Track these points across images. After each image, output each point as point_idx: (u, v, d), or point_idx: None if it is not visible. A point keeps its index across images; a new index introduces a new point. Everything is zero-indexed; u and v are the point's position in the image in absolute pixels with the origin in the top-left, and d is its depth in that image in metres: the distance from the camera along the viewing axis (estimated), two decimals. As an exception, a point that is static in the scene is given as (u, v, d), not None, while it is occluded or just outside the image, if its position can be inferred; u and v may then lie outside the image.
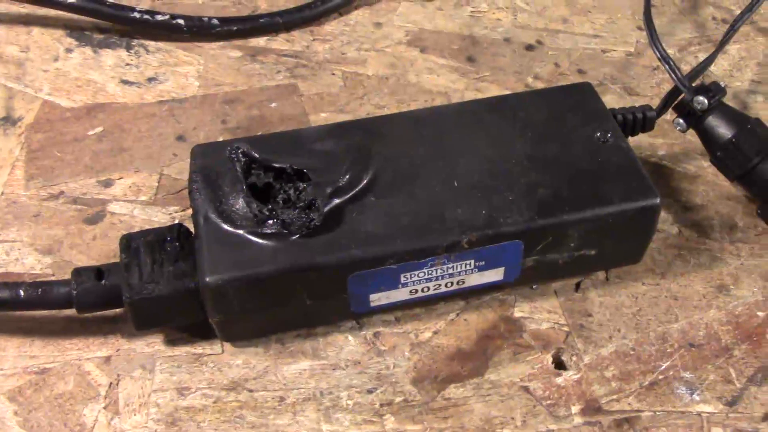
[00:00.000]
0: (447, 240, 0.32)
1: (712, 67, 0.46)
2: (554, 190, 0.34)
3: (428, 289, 0.34)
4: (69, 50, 0.47)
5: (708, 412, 0.33)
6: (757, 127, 0.38)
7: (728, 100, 0.39)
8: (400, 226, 0.32)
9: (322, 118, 0.43)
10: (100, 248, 0.37)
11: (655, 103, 0.40)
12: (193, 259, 0.33)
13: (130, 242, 0.33)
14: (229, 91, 0.45)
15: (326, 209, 0.32)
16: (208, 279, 0.31)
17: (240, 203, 0.33)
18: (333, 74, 0.46)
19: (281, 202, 0.33)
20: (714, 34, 0.48)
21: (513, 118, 0.36)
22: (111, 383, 0.33)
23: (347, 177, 0.34)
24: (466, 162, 0.35)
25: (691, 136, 0.41)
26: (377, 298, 0.33)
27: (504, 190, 0.34)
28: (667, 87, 0.41)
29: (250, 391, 0.33)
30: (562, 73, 0.46)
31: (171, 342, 0.34)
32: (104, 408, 0.32)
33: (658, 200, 0.34)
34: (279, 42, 0.47)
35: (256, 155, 0.34)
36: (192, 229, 0.34)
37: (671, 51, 0.46)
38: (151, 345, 0.34)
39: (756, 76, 0.46)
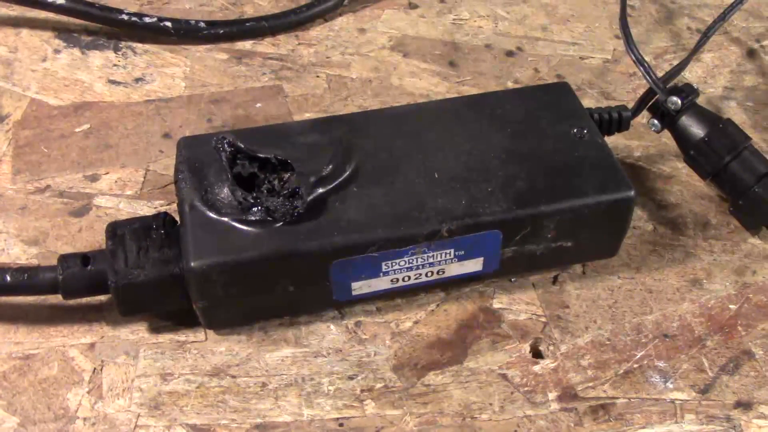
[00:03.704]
0: (427, 228, 0.33)
1: (687, 75, 0.47)
2: (532, 182, 0.35)
3: (409, 278, 0.34)
4: (57, 51, 0.47)
5: (681, 399, 0.34)
6: (728, 126, 0.39)
7: (702, 106, 0.40)
8: (382, 215, 0.33)
9: (307, 118, 0.44)
10: (85, 240, 0.38)
11: (631, 106, 0.41)
12: (178, 247, 0.33)
13: (116, 230, 0.34)
14: (215, 91, 0.45)
15: (310, 198, 0.33)
16: (192, 264, 0.32)
17: (225, 192, 0.33)
18: (317, 77, 0.46)
19: (266, 191, 0.34)
20: (689, 43, 0.50)
21: (492, 115, 0.37)
22: (95, 369, 0.34)
23: (330, 168, 0.34)
24: (445, 156, 0.35)
25: (666, 138, 0.42)
26: (359, 287, 0.34)
27: (483, 182, 0.34)
28: (643, 91, 0.42)
29: (233, 377, 0.34)
30: (541, 78, 0.47)
31: (155, 330, 0.35)
32: (88, 392, 0.33)
33: (632, 193, 0.35)
34: (265, 45, 0.48)
35: (242, 146, 0.34)
36: (178, 220, 0.34)
37: (647, 58, 0.47)
38: (136, 332, 0.35)
39: (729, 83, 0.47)
